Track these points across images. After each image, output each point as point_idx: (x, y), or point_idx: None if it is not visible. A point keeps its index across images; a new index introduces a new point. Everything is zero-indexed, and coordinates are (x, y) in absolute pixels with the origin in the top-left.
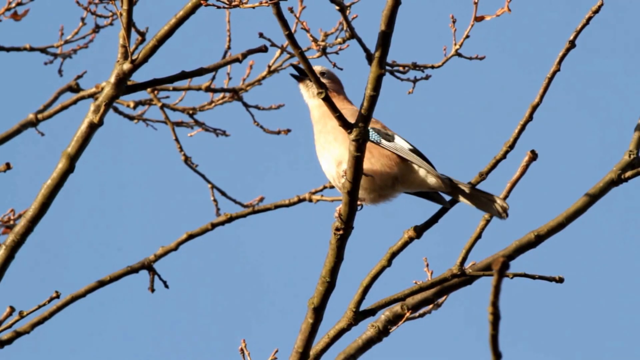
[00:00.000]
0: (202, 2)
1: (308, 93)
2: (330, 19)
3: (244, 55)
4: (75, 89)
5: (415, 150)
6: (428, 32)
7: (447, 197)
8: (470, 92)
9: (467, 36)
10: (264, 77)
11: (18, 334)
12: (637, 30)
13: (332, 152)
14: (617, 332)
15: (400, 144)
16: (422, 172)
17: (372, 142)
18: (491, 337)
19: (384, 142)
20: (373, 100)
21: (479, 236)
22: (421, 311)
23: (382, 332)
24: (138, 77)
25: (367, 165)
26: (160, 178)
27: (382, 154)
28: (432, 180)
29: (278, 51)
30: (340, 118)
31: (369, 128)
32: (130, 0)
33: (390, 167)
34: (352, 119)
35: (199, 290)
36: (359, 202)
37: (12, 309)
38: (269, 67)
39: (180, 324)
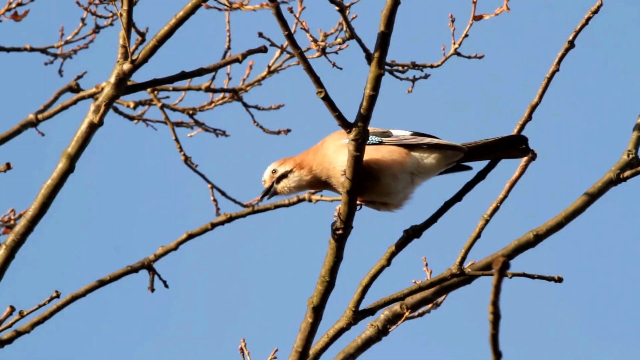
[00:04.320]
0: (203, 4)
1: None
2: (330, 20)
3: (244, 56)
4: (75, 89)
5: (418, 133)
6: (427, 32)
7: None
8: (469, 91)
9: (466, 35)
10: (263, 78)
11: (18, 334)
12: (636, 30)
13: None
14: (616, 332)
15: (401, 134)
16: (433, 153)
17: (375, 143)
18: (491, 337)
19: (385, 140)
20: (372, 100)
21: (478, 236)
22: (420, 310)
23: (382, 332)
24: (138, 77)
25: (380, 165)
26: (160, 178)
27: (389, 149)
28: (445, 155)
29: (278, 51)
30: (340, 117)
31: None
32: (130, 0)
33: (402, 159)
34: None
35: (199, 290)
36: (363, 207)
37: (12, 309)
38: (269, 67)
39: (180, 324)
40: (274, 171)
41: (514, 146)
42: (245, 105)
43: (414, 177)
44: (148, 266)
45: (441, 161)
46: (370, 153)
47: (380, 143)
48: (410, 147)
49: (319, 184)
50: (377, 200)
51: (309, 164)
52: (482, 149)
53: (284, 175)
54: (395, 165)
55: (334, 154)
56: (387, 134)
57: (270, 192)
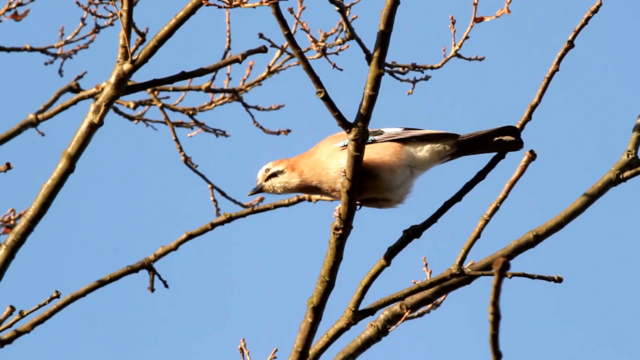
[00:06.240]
0: (203, 1)
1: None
2: (330, 20)
3: (244, 56)
4: (75, 89)
5: (409, 128)
6: (428, 33)
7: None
8: (470, 92)
9: (467, 37)
10: (263, 78)
11: (18, 334)
12: (636, 30)
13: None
14: (616, 332)
15: (393, 131)
16: (426, 144)
17: (368, 142)
18: (491, 337)
19: (377, 138)
20: (372, 99)
21: (478, 236)
22: (420, 311)
23: (381, 332)
24: (138, 77)
25: (376, 162)
26: (160, 178)
27: (383, 146)
28: (437, 144)
29: (278, 52)
30: (339, 117)
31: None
32: (130, 0)
33: (397, 153)
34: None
35: (199, 290)
36: (361, 205)
37: (13, 309)
38: (269, 67)
39: (180, 324)
40: (267, 170)
41: (507, 137)
42: (245, 106)
43: (411, 169)
44: (148, 266)
45: (434, 151)
46: (366, 152)
47: (374, 142)
48: (403, 141)
49: (309, 188)
50: (378, 197)
51: (300, 167)
52: (475, 141)
53: (274, 175)
54: (391, 160)
55: (328, 159)
56: (378, 133)
57: (257, 189)
